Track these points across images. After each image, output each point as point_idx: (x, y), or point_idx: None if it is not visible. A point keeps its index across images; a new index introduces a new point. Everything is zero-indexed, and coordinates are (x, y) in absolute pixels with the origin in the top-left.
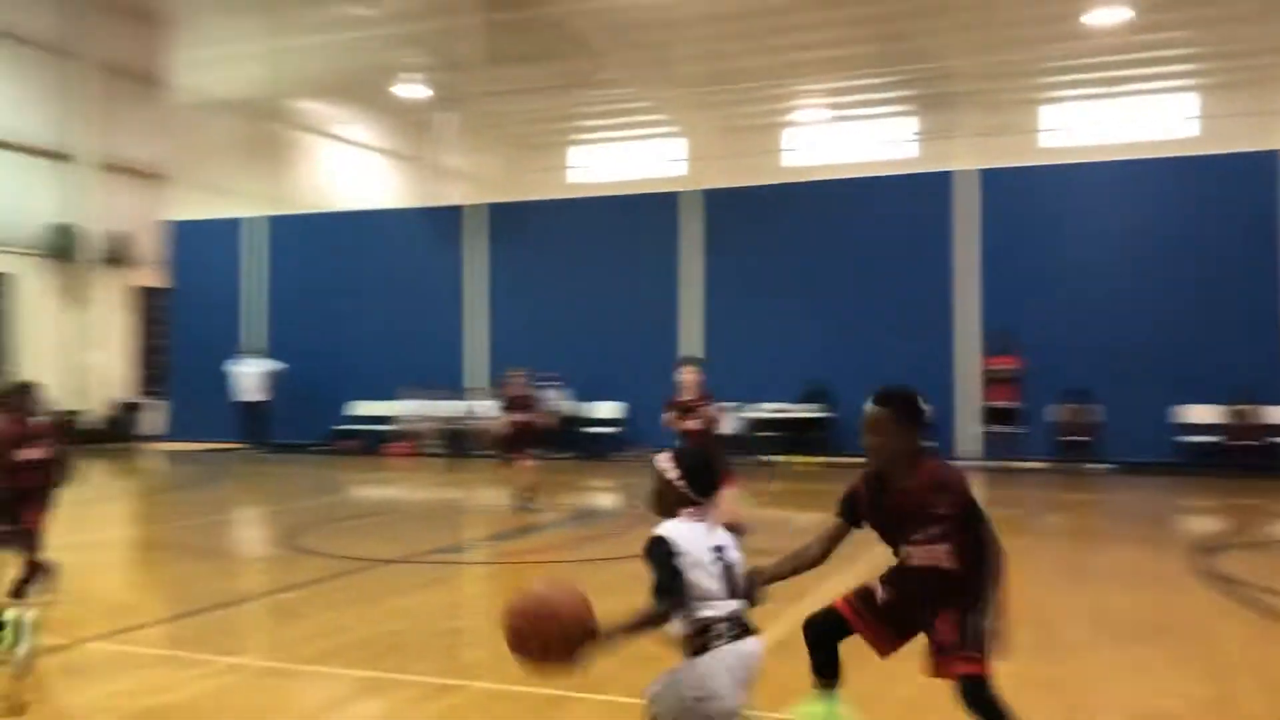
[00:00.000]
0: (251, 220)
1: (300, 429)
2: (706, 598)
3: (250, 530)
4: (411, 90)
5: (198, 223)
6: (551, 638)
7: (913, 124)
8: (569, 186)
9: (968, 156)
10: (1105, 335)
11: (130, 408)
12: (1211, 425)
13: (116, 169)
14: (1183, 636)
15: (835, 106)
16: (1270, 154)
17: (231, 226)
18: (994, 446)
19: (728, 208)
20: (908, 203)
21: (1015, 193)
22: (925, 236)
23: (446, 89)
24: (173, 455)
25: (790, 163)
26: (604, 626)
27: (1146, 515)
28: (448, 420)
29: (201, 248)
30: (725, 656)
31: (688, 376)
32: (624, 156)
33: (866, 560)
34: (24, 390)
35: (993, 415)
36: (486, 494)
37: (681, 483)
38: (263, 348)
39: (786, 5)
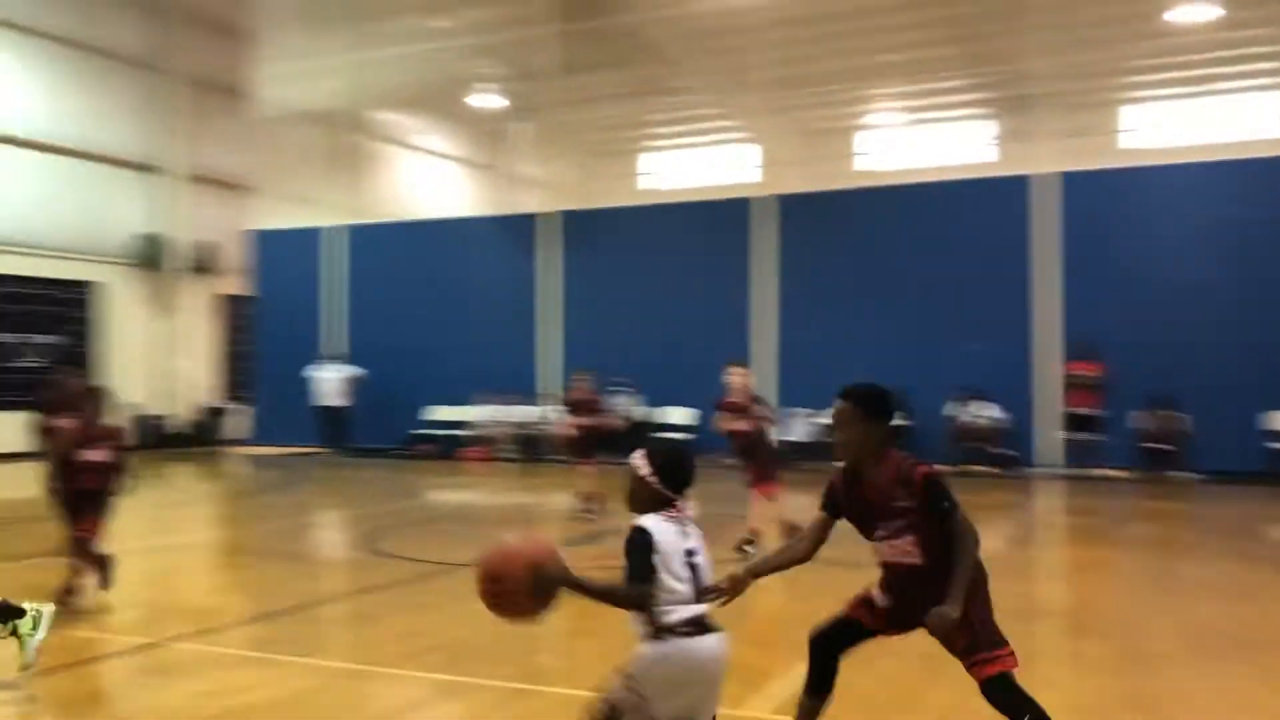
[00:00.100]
0: (332, 229)
1: (379, 433)
2: (673, 600)
3: (330, 533)
4: (487, 100)
5: (280, 232)
6: (516, 580)
7: (990, 127)
8: (642, 193)
9: (1047, 159)
10: (1190, 340)
11: (215, 412)
12: None
13: (202, 180)
14: (1275, 652)
15: (911, 110)
16: None
17: (312, 236)
18: (1075, 454)
19: (801, 213)
20: (985, 207)
21: (1096, 195)
22: (1003, 240)
23: (521, 98)
24: (256, 459)
25: (865, 167)
26: (573, 573)
27: (1235, 525)
28: (521, 425)
29: (284, 256)
30: (673, 655)
31: (735, 379)
32: (697, 163)
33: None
34: (92, 392)
35: (1073, 422)
36: (559, 499)
37: (654, 479)
38: (343, 354)
39: (861, 9)
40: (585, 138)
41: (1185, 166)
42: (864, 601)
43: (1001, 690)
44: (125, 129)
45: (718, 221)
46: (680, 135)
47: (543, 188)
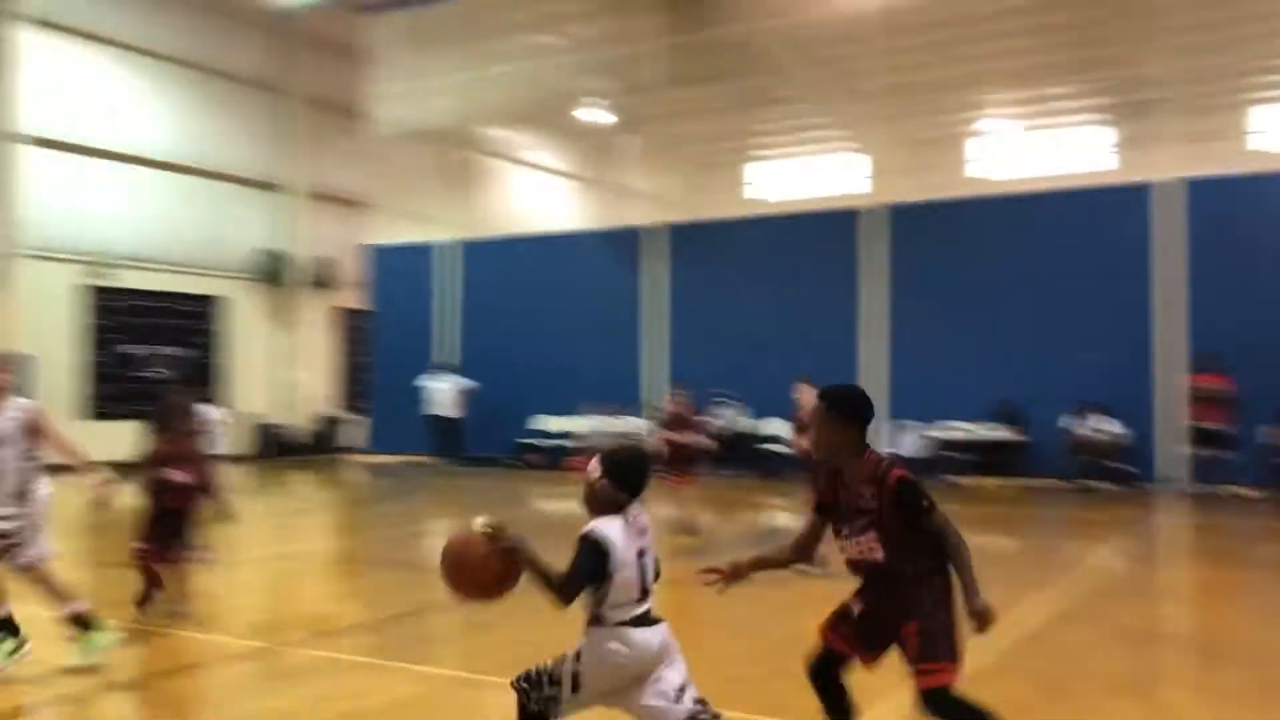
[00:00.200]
0: (444, 244)
1: (489, 443)
2: (626, 599)
3: (442, 542)
4: (594, 115)
5: (395, 247)
6: (476, 566)
7: (1108, 133)
8: (749, 204)
9: (1169, 165)
10: None
11: (333, 422)
12: None
13: (321, 197)
14: None
15: (1025, 116)
16: None
17: (426, 251)
18: (1201, 470)
19: (911, 222)
20: (1105, 214)
21: (1224, 201)
22: (1124, 249)
23: (628, 112)
24: (371, 467)
25: (977, 175)
26: (528, 555)
27: None
28: (625, 437)
29: (398, 271)
30: (619, 644)
31: (805, 395)
32: (804, 173)
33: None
34: (184, 412)
35: (1200, 437)
36: (664, 511)
37: (604, 482)
38: (454, 365)
39: (973, 15)
40: (692, 150)
41: None
42: (838, 621)
43: (942, 703)
44: (248, 148)
45: (826, 232)
46: (787, 145)
47: (649, 200)
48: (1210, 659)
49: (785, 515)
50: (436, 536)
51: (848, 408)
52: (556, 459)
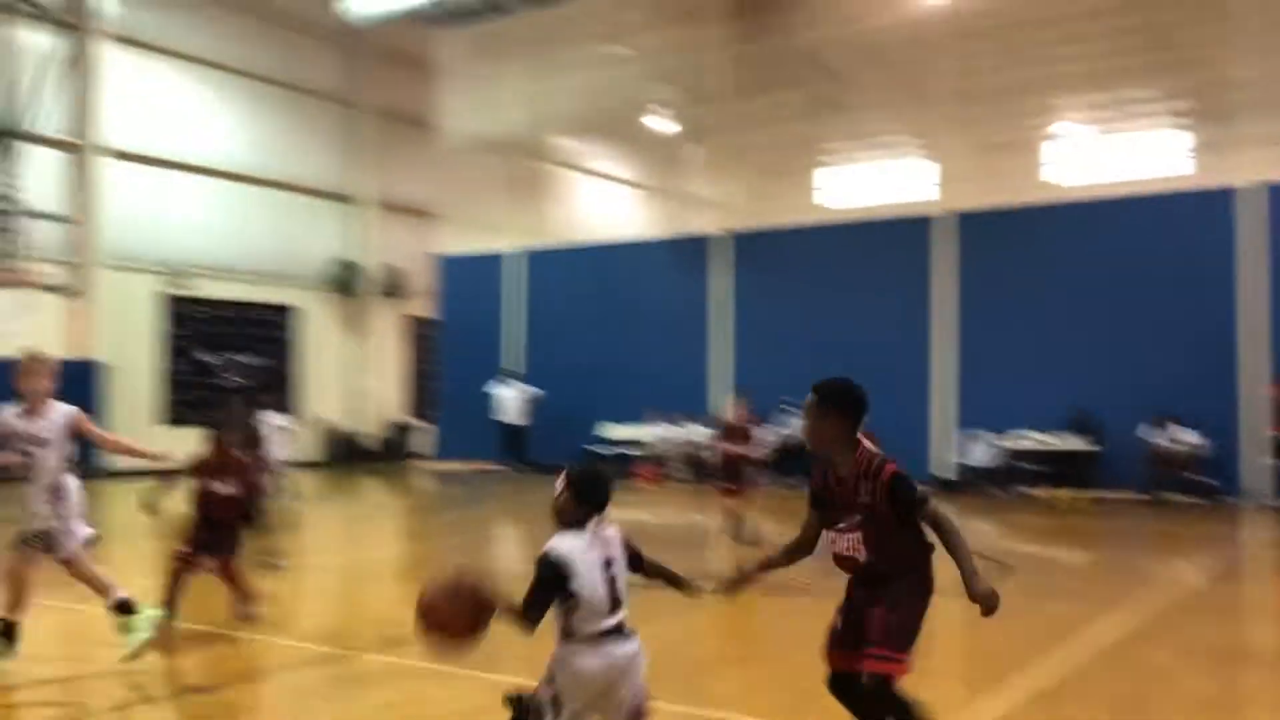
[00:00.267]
0: (512, 253)
1: (555, 450)
2: (595, 612)
3: (509, 548)
4: (661, 123)
5: (463, 256)
6: (454, 617)
7: (1187, 137)
8: (816, 211)
9: (1251, 169)
10: None
11: (402, 429)
12: None
13: (391, 207)
14: None
15: (1100, 120)
16: None
17: (493, 260)
18: None
19: (982, 229)
20: (1184, 220)
21: None
22: (1205, 255)
23: (695, 120)
24: (439, 474)
25: (1050, 181)
26: (502, 603)
27: None
28: (691, 445)
29: (466, 280)
30: (585, 658)
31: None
32: (872, 180)
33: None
34: (235, 422)
35: None
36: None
37: (564, 496)
38: (522, 373)
39: (1046, 18)
40: (758, 157)
41: None
42: (831, 643)
43: (883, 692)
44: (321, 160)
45: (894, 240)
46: (854, 152)
47: (715, 208)
48: None
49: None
50: (505, 543)
51: (839, 400)
52: (622, 467)
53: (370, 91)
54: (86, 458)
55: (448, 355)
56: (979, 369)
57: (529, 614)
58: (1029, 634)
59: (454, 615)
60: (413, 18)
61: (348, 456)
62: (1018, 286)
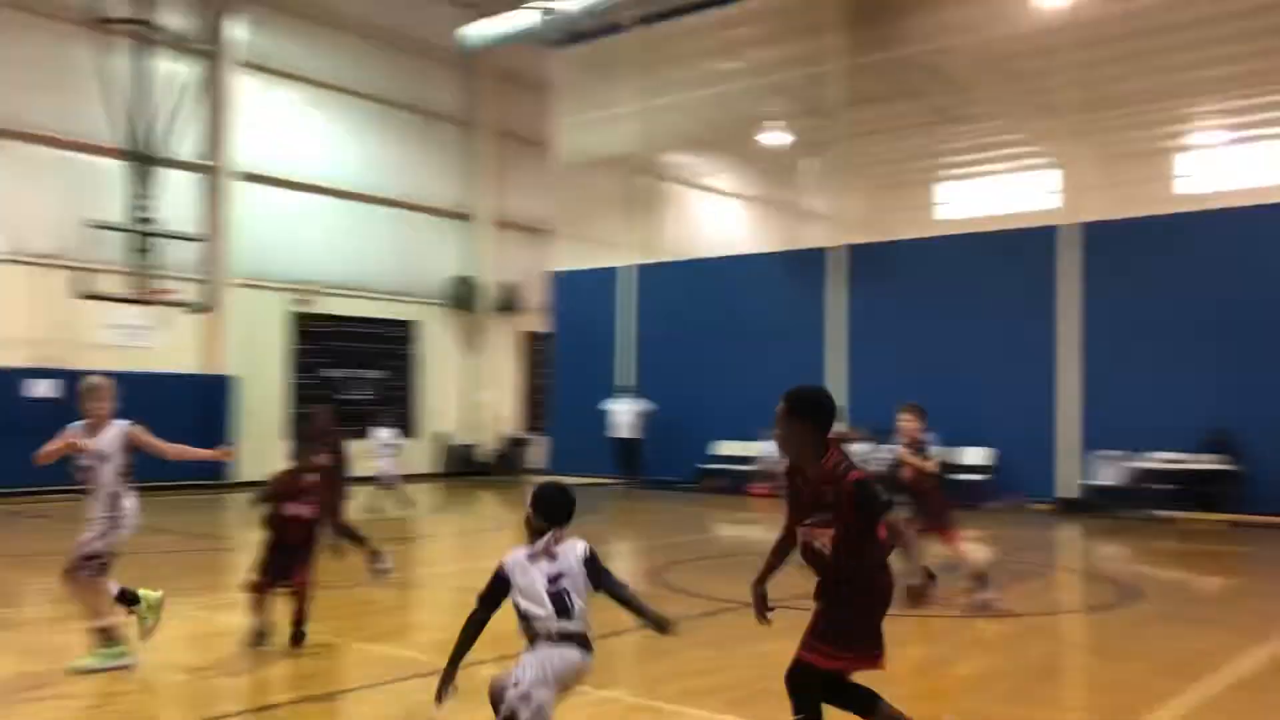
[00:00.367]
0: (625, 269)
1: (669, 466)
2: (532, 617)
3: (620, 564)
4: (775, 137)
5: (577, 272)
6: None
7: None
8: (933, 224)
9: None
10: None
11: (517, 443)
12: None
13: (507, 225)
14: None
15: (1235, 127)
16: None
17: (606, 275)
18: None
19: (1109, 240)
20: None
21: None
22: None
23: (810, 133)
24: None
25: (1181, 191)
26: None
27: None
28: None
29: (579, 295)
30: (538, 655)
31: (907, 423)
32: (993, 191)
33: None
34: (315, 441)
35: None
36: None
37: (528, 512)
38: (636, 388)
39: (1177, 23)
40: (875, 170)
41: None
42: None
43: (801, 678)
44: (440, 180)
45: (1015, 251)
46: (973, 164)
47: (831, 222)
48: None
49: (975, 550)
50: (617, 558)
51: (805, 408)
52: (738, 484)
53: (487, 111)
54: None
55: (560, 370)
56: (1106, 385)
57: (478, 603)
58: (1163, 665)
59: None
60: (528, 39)
61: (464, 469)
62: (1147, 299)
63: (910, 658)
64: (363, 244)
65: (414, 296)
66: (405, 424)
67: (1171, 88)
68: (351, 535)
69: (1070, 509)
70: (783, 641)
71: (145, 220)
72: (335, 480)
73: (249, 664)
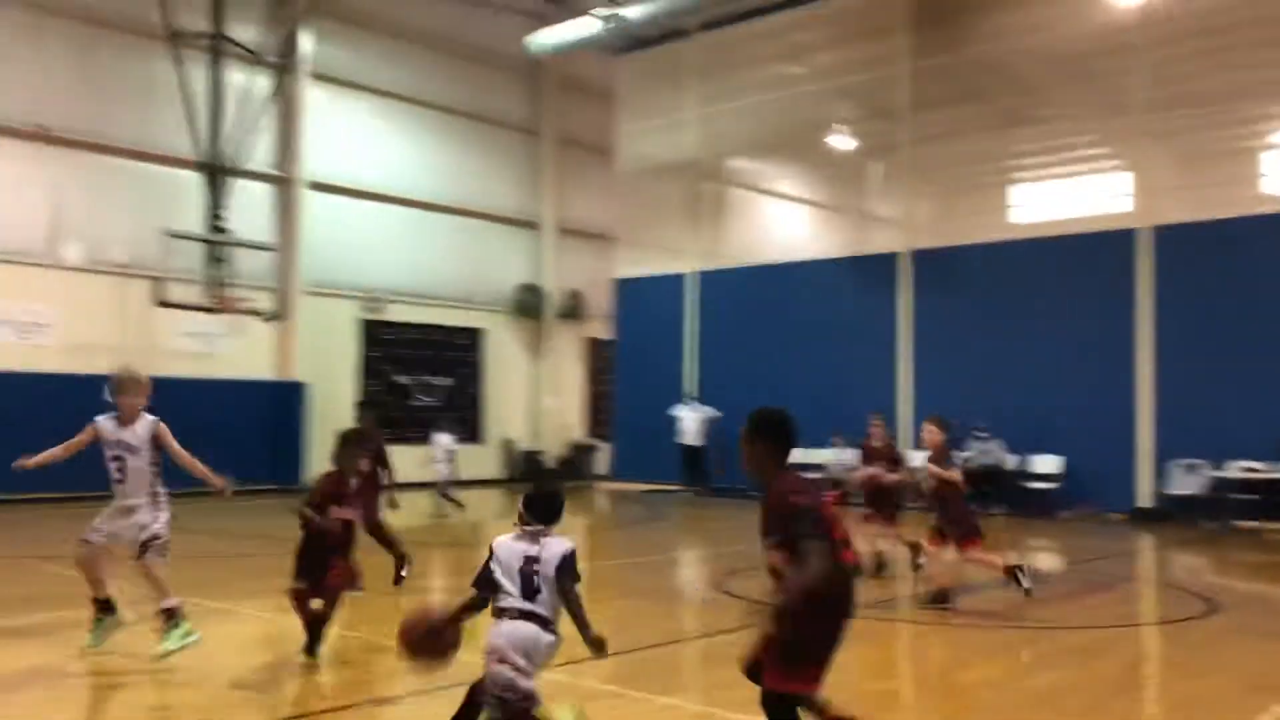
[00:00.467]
0: (688, 275)
1: (734, 473)
2: (507, 594)
3: (685, 571)
4: (841, 141)
5: (641, 279)
6: (422, 643)
7: None
8: (1003, 228)
9: None
10: None
11: (582, 449)
12: None
13: (571, 232)
14: None
15: None
16: None
17: (669, 281)
18: None
19: (1185, 244)
20: None
21: None
22: None
23: (876, 137)
24: (617, 494)
25: (1267, 192)
26: (447, 612)
27: None
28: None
29: (643, 302)
30: (502, 628)
31: (931, 435)
32: (1064, 194)
33: None
34: (347, 451)
35: None
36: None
37: (520, 511)
38: (701, 395)
39: (1255, 18)
40: (943, 174)
41: None
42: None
43: (773, 703)
44: (506, 188)
45: (1089, 256)
46: (1043, 167)
47: (899, 227)
48: None
49: (1046, 559)
50: (684, 567)
51: (763, 428)
52: None
53: (551, 119)
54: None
55: (623, 376)
56: (1182, 392)
57: (474, 583)
58: (1244, 680)
59: (419, 644)
60: (592, 46)
61: (529, 475)
62: (1225, 303)
63: (981, 670)
64: (429, 252)
65: (480, 304)
66: (473, 430)
67: (1250, 85)
68: (385, 539)
69: (1146, 519)
70: (849, 650)
71: (220, 230)
72: (374, 484)
73: (310, 669)
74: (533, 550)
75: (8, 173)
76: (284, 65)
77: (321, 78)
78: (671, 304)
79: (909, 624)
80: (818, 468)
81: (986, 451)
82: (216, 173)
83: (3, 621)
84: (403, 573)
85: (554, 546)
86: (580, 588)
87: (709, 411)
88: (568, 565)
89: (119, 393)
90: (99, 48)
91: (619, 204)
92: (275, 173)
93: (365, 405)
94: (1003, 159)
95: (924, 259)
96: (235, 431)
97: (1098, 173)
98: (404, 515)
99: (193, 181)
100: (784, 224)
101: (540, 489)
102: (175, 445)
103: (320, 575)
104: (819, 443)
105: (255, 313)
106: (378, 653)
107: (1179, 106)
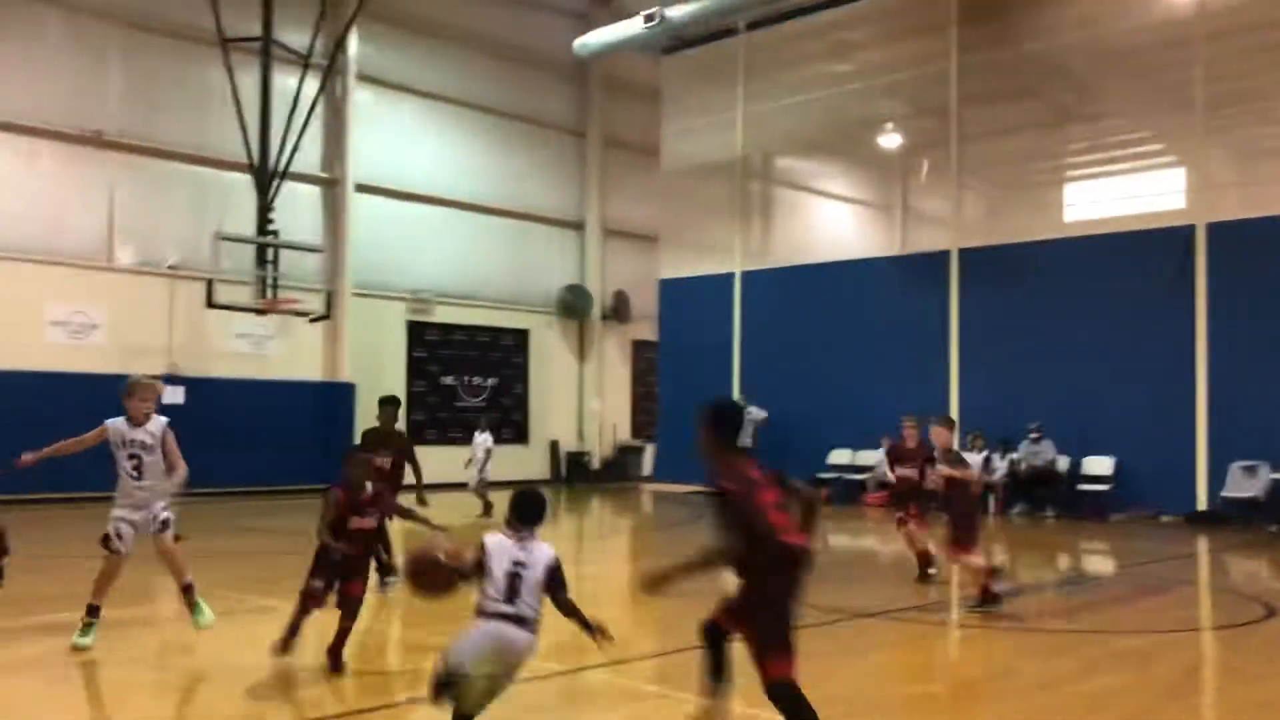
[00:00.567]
0: (732, 275)
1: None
2: (492, 596)
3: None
4: (889, 139)
5: (686, 279)
6: (431, 575)
7: None
8: (1054, 226)
9: None
10: None
11: (627, 450)
12: None
13: (617, 233)
14: None
15: None
16: None
17: (715, 282)
18: None
19: (1243, 241)
20: None
21: None
22: None
23: (924, 135)
24: (662, 495)
25: None
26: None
27: None
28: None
29: (688, 302)
30: (481, 628)
31: (939, 435)
32: (1117, 191)
33: None
34: (360, 462)
35: None
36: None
37: (509, 515)
38: (746, 395)
39: None
40: (992, 171)
41: None
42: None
43: (775, 692)
44: (552, 189)
45: (1143, 254)
46: (1095, 164)
47: (948, 225)
48: None
49: (1098, 562)
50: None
51: (710, 417)
52: (854, 494)
53: (597, 120)
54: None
55: (667, 377)
56: (1239, 393)
57: (472, 566)
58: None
59: (427, 578)
60: (637, 46)
61: (574, 476)
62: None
63: (1033, 672)
64: (476, 253)
65: (526, 305)
66: (519, 431)
67: None
68: (386, 543)
69: (1201, 522)
70: (893, 652)
71: (269, 232)
72: (395, 483)
73: (355, 666)
74: (520, 555)
75: (63, 177)
76: (332, 68)
77: (369, 80)
78: (717, 304)
79: (957, 628)
80: (866, 469)
81: (1038, 453)
82: (266, 175)
83: (43, 618)
84: (387, 580)
85: (540, 554)
86: (576, 590)
87: (759, 413)
88: (558, 578)
89: (131, 396)
90: (151, 54)
91: (664, 204)
92: (323, 175)
93: (386, 402)
94: (1053, 156)
95: (973, 257)
96: (284, 432)
97: (1151, 169)
98: (445, 515)
99: (243, 184)
100: (830, 223)
101: (526, 494)
102: (173, 449)
103: (343, 583)
104: (868, 443)
105: (304, 314)
106: (415, 652)
107: (1235, 102)
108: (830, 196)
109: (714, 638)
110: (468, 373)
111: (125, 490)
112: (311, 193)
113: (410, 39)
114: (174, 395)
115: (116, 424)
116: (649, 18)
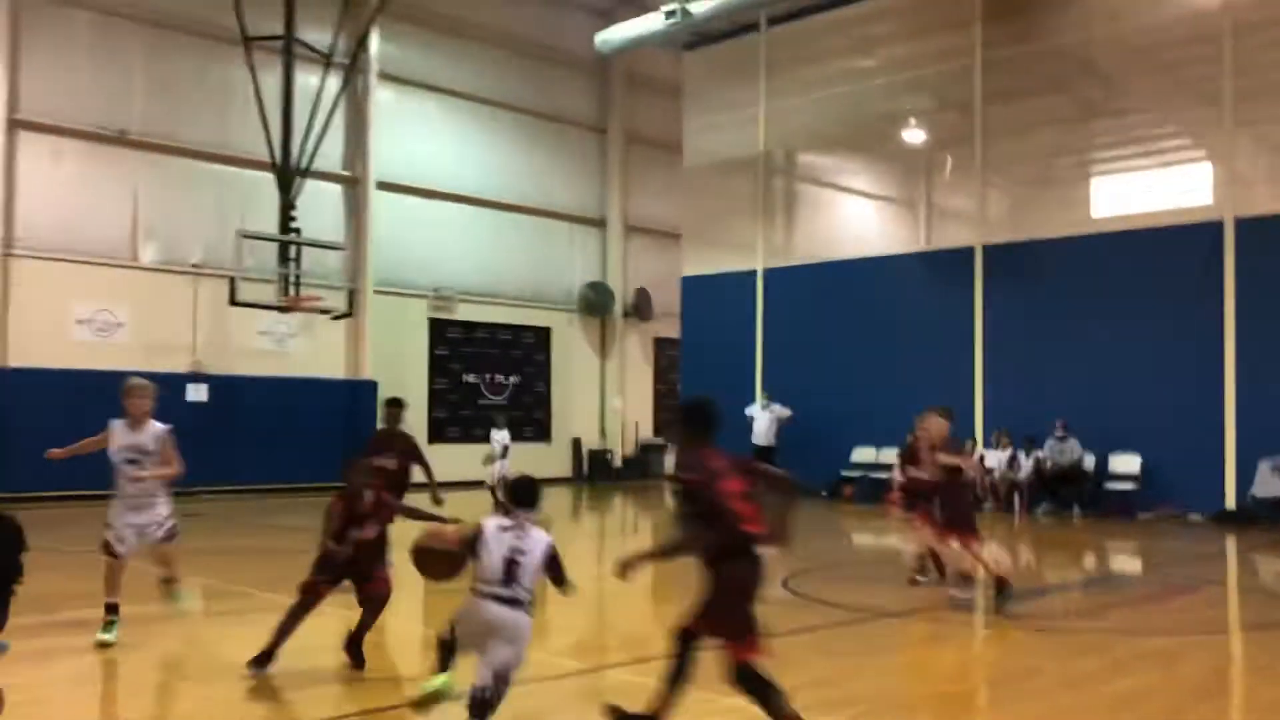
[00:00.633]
0: (755, 272)
1: (804, 474)
2: (487, 578)
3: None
4: (913, 135)
5: (708, 276)
6: (434, 558)
7: None
8: (1081, 222)
9: None
10: None
11: (649, 448)
12: None
13: (638, 231)
14: None
15: None
16: None
17: (737, 279)
18: None
19: (1273, 236)
20: None
21: None
22: None
23: (949, 130)
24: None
25: None
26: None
27: None
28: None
29: (709, 299)
30: (473, 605)
31: (934, 426)
32: (1144, 187)
33: None
34: (360, 469)
35: None
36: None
37: (505, 498)
38: (769, 393)
39: None
40: (1018, 167)
41: None
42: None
43: (738, 674)
44: (573, 186)
45: (1170, 250)
46: (1122, 159)
47: (973, 221)
48: None
49: (1125, 562)
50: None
51: (680, 415)
52: (877, 493)
53: (619, 116)
54: None
55: (689, 375)
56: (1268, 391)
57: (469, 548)
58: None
59: (431, 562)
60: (659, 42)
61: (596, 474)
62: None
63: (1060, 671)
64: (497, 250)
65: (548, 302)
66: (541, 429)
67: None
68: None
69: (1230, 521)
70: (919, 651)
71: (291, 230)
72: (400, 486)
73: (381, 663)
74: (518, 544)
75: (88, 176)
76: (354, 66)
77: (390, 78)
78: (739, 301)
79: (983, 627)
80: (889, 467)
81: (1064, 451)
82: (288, 173)
83: (65, 615)
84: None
85: (538, 542)
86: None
87: (783, 410)
88: (557, 565)
89: (129, 397)
90: (175, 53)
91: (686, 201)
92: (345, 173)
93: (391, 403)
94: (1079, 151)
95: (998, 254)
96: (307, 429)
97: (1178, 164)
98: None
99: (265, 182)
100: (854, 219)
101: (521, 479)
102: (173, 455)
103: (364, 583)
104: (891, 441)
105: (326, 312)
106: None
107: (1263, 95)
108: (853, 193)
109: (683, 643)
110: (490, 370)
111: (124, 493)
112: (334, 191)
113: (431, 37)
114: (198, 393)
115: (117, 425)
116: (670, 13)
